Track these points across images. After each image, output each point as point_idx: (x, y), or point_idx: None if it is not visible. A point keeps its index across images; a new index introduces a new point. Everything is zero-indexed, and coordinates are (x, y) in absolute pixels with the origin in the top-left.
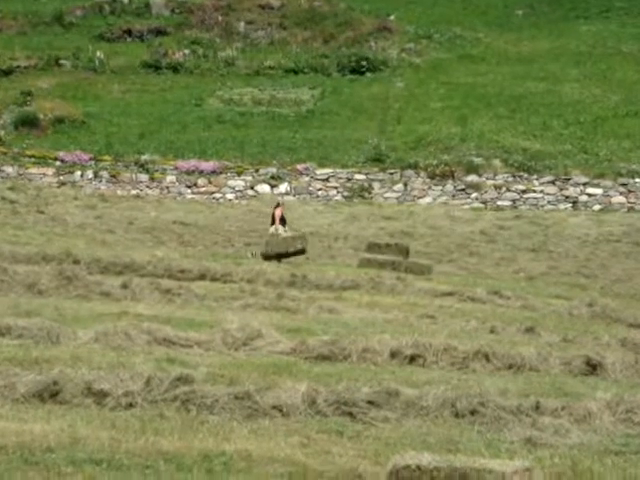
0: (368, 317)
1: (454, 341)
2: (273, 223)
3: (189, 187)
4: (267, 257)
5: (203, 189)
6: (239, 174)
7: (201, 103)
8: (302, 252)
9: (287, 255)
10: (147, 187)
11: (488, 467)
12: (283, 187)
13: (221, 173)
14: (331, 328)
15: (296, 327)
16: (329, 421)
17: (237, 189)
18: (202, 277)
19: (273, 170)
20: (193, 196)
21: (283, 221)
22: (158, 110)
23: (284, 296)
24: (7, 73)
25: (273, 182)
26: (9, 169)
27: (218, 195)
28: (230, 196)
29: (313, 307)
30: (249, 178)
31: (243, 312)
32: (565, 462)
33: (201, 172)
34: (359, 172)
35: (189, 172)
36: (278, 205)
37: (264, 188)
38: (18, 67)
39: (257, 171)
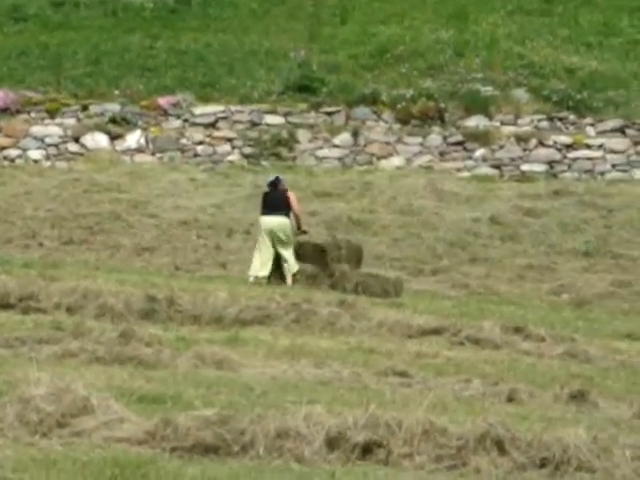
0: (287, 375)
1: (442, 417)
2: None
3: None
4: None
5: None
6: (52, 114)
7: None
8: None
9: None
10: None
11: None
12: (133, 138)
13: (18, 112)
14: (219, 395)
15: (155, 394)
16: None
17: (49, 142)
18: None
19: (115, 107)
20: None
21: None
22: None
23: (134, 337)
24: None
25: (115, 129)
26: None
27: (13, 153)
28: (36, 155)
29: (187, 357)
30: (70, 122)
31: (59, 366)
32: None
33: None
34: (272, 111)
35: None
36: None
37: (98, 140)
38: None
39: (85, 109)
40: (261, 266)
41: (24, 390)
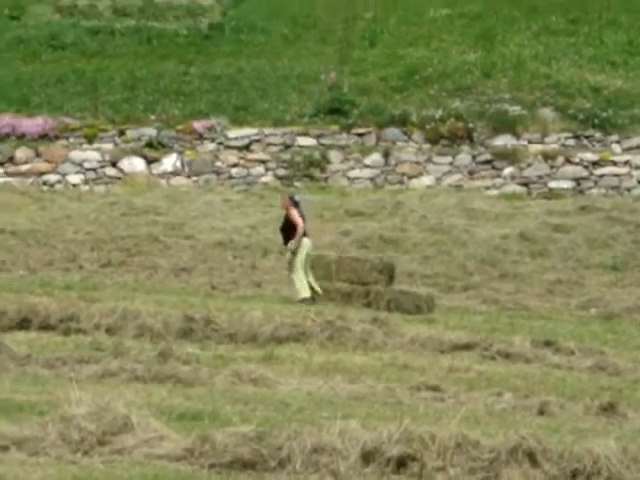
0: (322, 391)
1: (475, 431)
2: (287, 235)
3: (0, 164)
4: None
5: (25, 167)
6: (90, 140)
7: (20, 15)
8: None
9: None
10: None
11: None
12: (169, 161)
13: (57, 138)
14: (256, 412)
15: (194, 411)
16: None
17: (87, 166)
18: (24, 324)
19: (151, 132)
20: (7, 179)
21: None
22: None
23: (172, 356)
24: None
25: (151, 154)
26: None
27: (53, 178)
28: (75, 179)
29: (224, 375)
30: (108, 147)
31: (99, 386)
32: None
33: (21, 137)
34: (305, 133)
35: (0, 137)
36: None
37: (135, 164)
38: None
39: (122, 134)
40: (306, 286)
41: (66, 409)
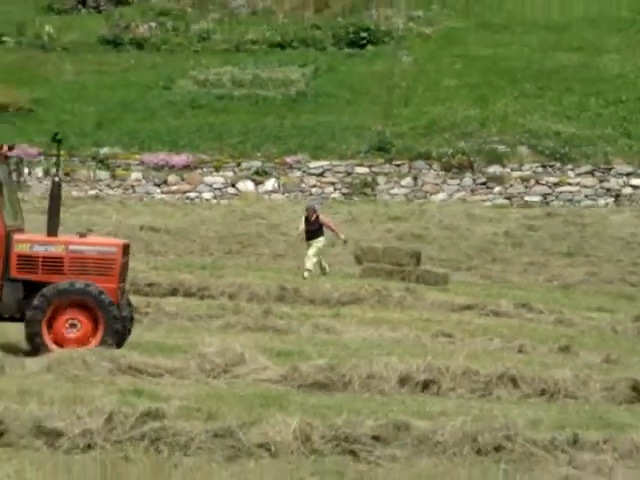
0: (372, 337)
1: (475, 363)
2: (313, 233)
3: (158, 186)
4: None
5: (174, 188)
6: (217, 169)
7: (171, 85)
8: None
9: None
10: (108, 186)
11: None
12: (270, 184)
13: (196, 168)
14: (328, 351)
15: (286, 350)
16: (327, 461)
17: (215, 187)
18: (174, 292)
19: (258, 164)
20: (163, 196)
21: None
22: (119, 94)
23: (272, 313)
24: None
25: (258, 178)
26: None
27: (193, 195)
28: (207, 195)
29: (307, 326)
30: (229, 174)
31: (223, 333)
32: None
33: (172, 167)
34: (360, 164)
35: (157, 168)
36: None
37: (247, 185)
38: None
39: (239, 165)
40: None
41: (201, 349)
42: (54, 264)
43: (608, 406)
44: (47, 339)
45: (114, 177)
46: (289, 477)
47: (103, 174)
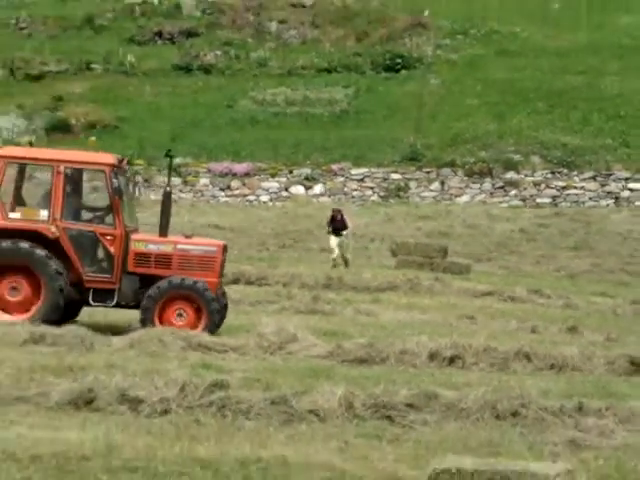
0: (406, 319)
1: (494, 342)
2: (338, 230)
3: (222, 190)
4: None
5: (237, 191)
6: (273, 176)
7: (233, 104)
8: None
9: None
10: (180, 191)
11: (530, 470)
12: (318, 188)
13: (254, 175)
14: (368, 331)
15: (332, 330)
16: (367, 425)
17: (271, 191)
18: (236, 281)
19: (307, 171)
20: (227, 199)
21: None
22: (190, 113)
23: (320, 299)
24: (38, 78)
25: (307, 183)
26: None
27: (252, 197)
28: (264, 198)
29: (349, 309)
30: (283, 179)
31: (278, 316)
32: (610, 464)
33: (234, 174)
34: (395, 171)
35: (222, 175)
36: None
37: (298, 189)
38: (49, 72)
39: (291, 172)
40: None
41: (260, 329)
42: (164, 260)
43: (609, 378)
44: (157, 325)
45: (185, 183)
46: (335, 439)
47: (176, 180)
